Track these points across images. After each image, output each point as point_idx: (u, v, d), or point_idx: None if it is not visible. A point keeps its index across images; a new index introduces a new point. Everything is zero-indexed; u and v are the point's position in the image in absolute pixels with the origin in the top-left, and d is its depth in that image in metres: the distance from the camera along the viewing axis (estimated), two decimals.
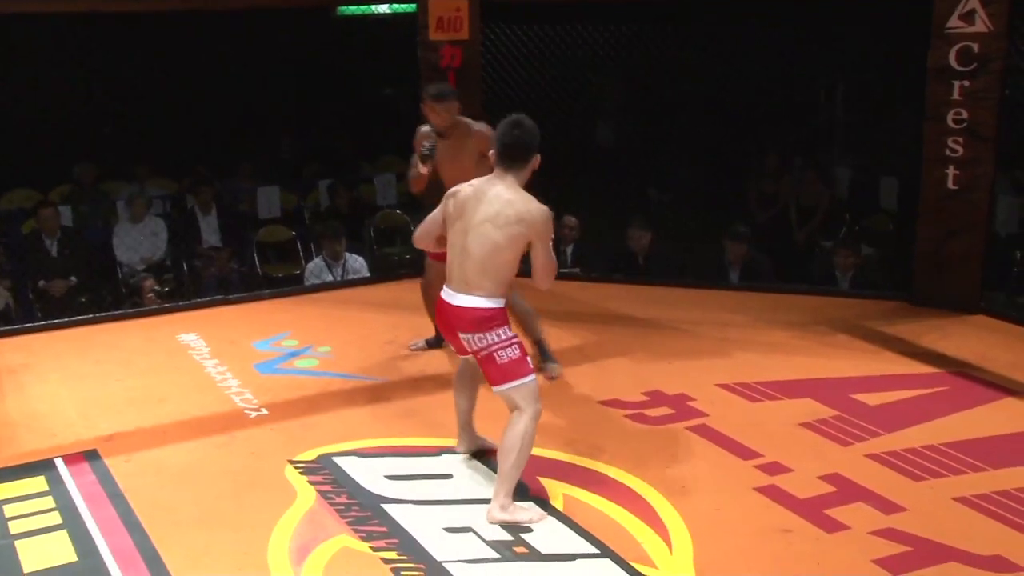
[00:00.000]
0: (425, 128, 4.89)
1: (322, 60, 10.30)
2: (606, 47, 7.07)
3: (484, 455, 4.02)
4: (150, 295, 6.91)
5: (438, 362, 5.15)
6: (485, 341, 3.53)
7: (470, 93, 6.43)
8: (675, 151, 8.97)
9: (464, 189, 3.63)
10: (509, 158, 3.54)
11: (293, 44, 10.06)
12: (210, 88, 9.87)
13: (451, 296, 3.59)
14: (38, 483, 3.86)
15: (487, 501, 3.63)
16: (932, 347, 5.25)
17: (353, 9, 10.60)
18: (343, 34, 10.57)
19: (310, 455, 4.07)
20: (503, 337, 3.53)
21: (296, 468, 3.96)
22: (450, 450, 4.10)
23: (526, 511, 3.60)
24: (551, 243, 3.57)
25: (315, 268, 7.00)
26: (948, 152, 5.65)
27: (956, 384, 4.80)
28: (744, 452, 4.09)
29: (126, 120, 9.47)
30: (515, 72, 6.77)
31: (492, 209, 3.51)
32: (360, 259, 7.09)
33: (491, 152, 3.61)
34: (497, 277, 3.53)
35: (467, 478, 3.90)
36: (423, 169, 4.75)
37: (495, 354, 3.53)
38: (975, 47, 5.48)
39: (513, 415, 3.57)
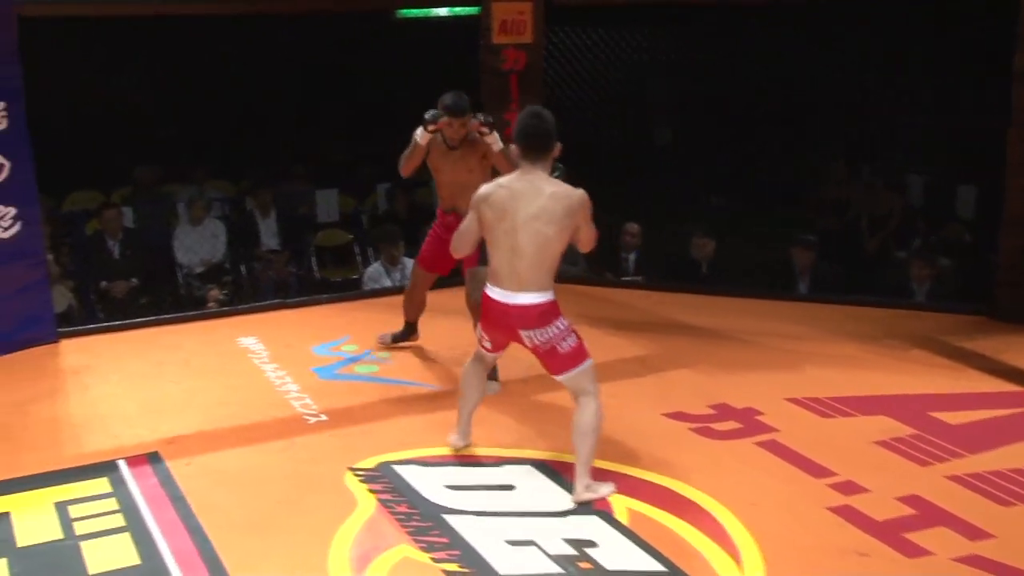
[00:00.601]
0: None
1: (379, 63, 10.38)
2: (668, 49, 7.04)
3: (546, 467, 3.99)
4: (211, 305, 6.98)
5: (501, 369, 5.11)
6: (547, 335, 3.68)
7: (532, 96, 6.44)
8: (738, 155, 8.87)
9: (496, 191, 3.69)
10: (535, 148, 3.65)
11: (350, 46, 10.14)
12: (268, 89, 10.00)
13: (507, 296, 3.69)
14: (101, 485, 3.91)
15: (551, 514, 3.61)
16: (1016, 364, 5.10)
17: (412, 12, 10.67)
18: (400, 37, 10.63)
19: (370, 462, 4.08)
20: (561, 328, 3.70)
21: (356, 475, 3.97)
22: (514, 460, 4.09)
23: (604, 487, 3.76)
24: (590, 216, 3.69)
25: (373, 273, 7.04)
26: None
27: None
28: (816, 470, 4.00)
29: (186, 122, 9.62)
30: (576, 75, 6.76)
31: (537, 205, 3.61)
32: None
33: (512, 147, 3.70)
34: (550, 270, 3.68)
35: (530, 490, 3.87)
36: (423, 139, 4.73)
37: (557, 345, 3.69)
38: None
39: (581, 400, 3.73)
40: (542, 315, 3.67)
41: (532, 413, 4.58)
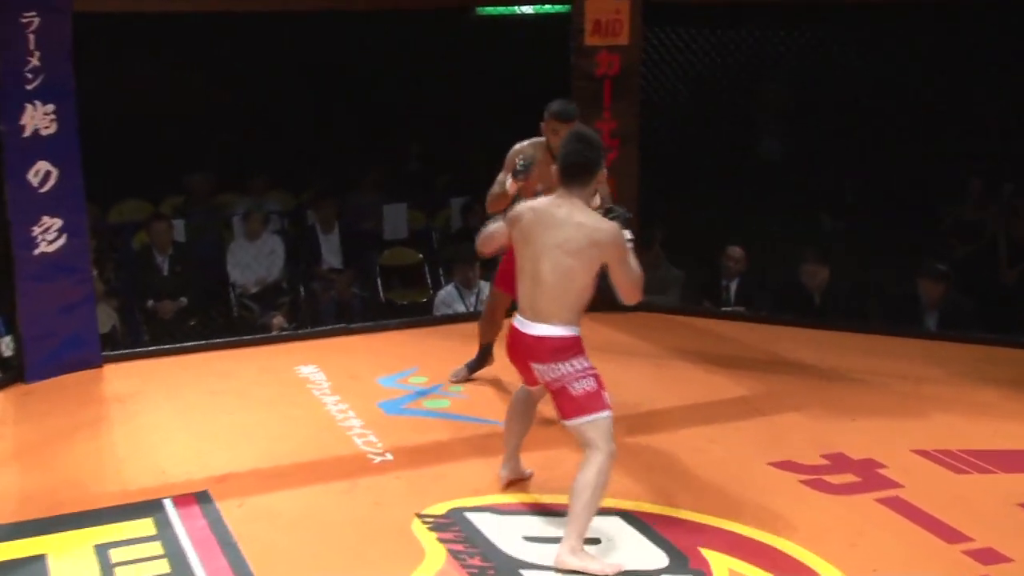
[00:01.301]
0: (520, 145, 4.98)
1: (458, 62, 10.48)
2: (778, 52, 6.97)
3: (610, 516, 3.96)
4: (281, 331, 7.05)
5: None
6: (559, 372, 3.70)
7: (628, 103, 6.46)
8: (855, 171, 8.73)
9: (526, 214, 3.80)
10: (573, 176, 3.73)
11: (428, 44, 10.27)
12: (333, 92, 10.16)
13: (524, 325, 3.77)
14: (146, 526, 3.99)
15: (641, 573, 3.57)
16: None
17: (494, 10, 10.76)
18: (483, 36, 10.72)
19: (440, 508, 4.09)
20: (578, 368, 3.70)
21: (424, 523, 3.99)
22: (601, 510, 4.03)
23: (596, 560, 3.66)
24: (628, 257, 3.71)
25: (446, 297, 7.10)
26: None
27: None
28: (949, 534, 3.89)
29: (243, 127, 9.82)
30: (676, 80, 6.73)
31: (562, 234, 3.67)
32: None
33: (553, 168, 3.79)
34: (572, 304, 3.71)
35: (616, 542, 3.85)
36: (511, 188, 4.82)
37: (569, 385, 3.70)
38: None
39: (587, 454, 3.69)
40: (557, 350, 3.69)
41: (624, 458, 4.53)
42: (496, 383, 5.45)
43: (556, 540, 3.86)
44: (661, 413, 5.08)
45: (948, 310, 6.45)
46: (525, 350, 3.78)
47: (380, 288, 8.24)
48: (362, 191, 9.40)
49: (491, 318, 5.35)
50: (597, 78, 6.41)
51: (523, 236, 3.78)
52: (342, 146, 9.87)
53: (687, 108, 6.96)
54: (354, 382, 5.49)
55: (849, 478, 4.36)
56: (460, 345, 6.11)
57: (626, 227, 3.80)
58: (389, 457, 4.59)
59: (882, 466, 4.46)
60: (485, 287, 7.03)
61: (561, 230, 3.68)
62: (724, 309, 7.04)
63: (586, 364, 3.72)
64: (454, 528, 3.95)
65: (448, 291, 7.12)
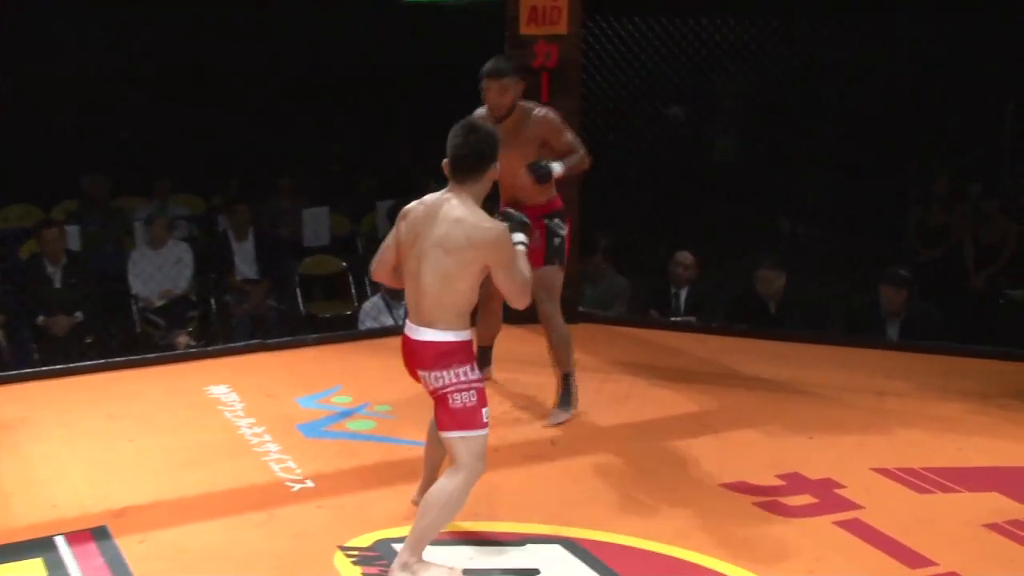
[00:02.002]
0: (479, 111, 5.10)
1: (384, 54, 10.51)
2: (732, 43, 7.07)
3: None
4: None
5: (524, 428, 5.16)
6: (442, 380, 3.75)
7: (569, 98, 6.50)
8: (815, 172, 8.92)
9: (416, 208, 3.86)
10: (461, 170, 3.78)
11: (348, 33, 10.28)
12: (246, 86, 10.12)
13: (412, 331, 3.82)
14: (35, 567, 3.92)
15: None
16: None
17: None
18: (411, 25, 10.76)
19: (365, 540, 4.09)
20: (462, 378, 3.75)
21: (348, 556, 3.98)
22: (540, 538, 4.11)
23: (432, 572, 3.73)
24: (514, 261, 3.78)
25: (371, 309, 7.10)
26: None
27: None
28: (911, 558, 3.98)
29: (146, 123, 9.74)
30: (621, 74, 6.81)
31: (441, 230, 3.73)
32: None
33: (444, 162, 3.82)
34: (456, 308, 3.75)
35: (557, 574, 3.87)
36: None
37: (449, 396, 3.75)
38: None
39: (448, 470, 3.79)
40: (440, 356, 3.74)
41: (564, 482, 4.60)
42: (426, 402, 5.41)
43: (493, 572, 3.90)
44: (605, 431, 5.14)
45: (911, 319, 6.60)
46: (410, 356, 3.84)
47: (300, 300, 8.22)
48: (279, 194, 9.37)
49: (482, 315, 5.36)
50: (534, 70, 6.45)
51: (410, 233, 3.82)
52: (257, 146, 9.84)
53: (633, 104, 7.04)
54: (271, 403, 5.47)
55: (806, 499, 4.43)
56: (388, 360, 6.09)
57: (521, 231, 3.91)
58: (309, 484, 4.58)
59: (841, 486, 4.54)
60: None
61: (441, 226, 3.73)
62: (673, 319, 7.13)
63: (471, 376, 3.77)
64: (380, 561, 3.95)
65: (374, 302, 7.13)
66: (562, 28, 6.49)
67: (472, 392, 3.76)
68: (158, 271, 7.90)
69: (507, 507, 4.35)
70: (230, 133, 9.85)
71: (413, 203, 3.89)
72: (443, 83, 10.74)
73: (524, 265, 3.85)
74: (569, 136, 5.15)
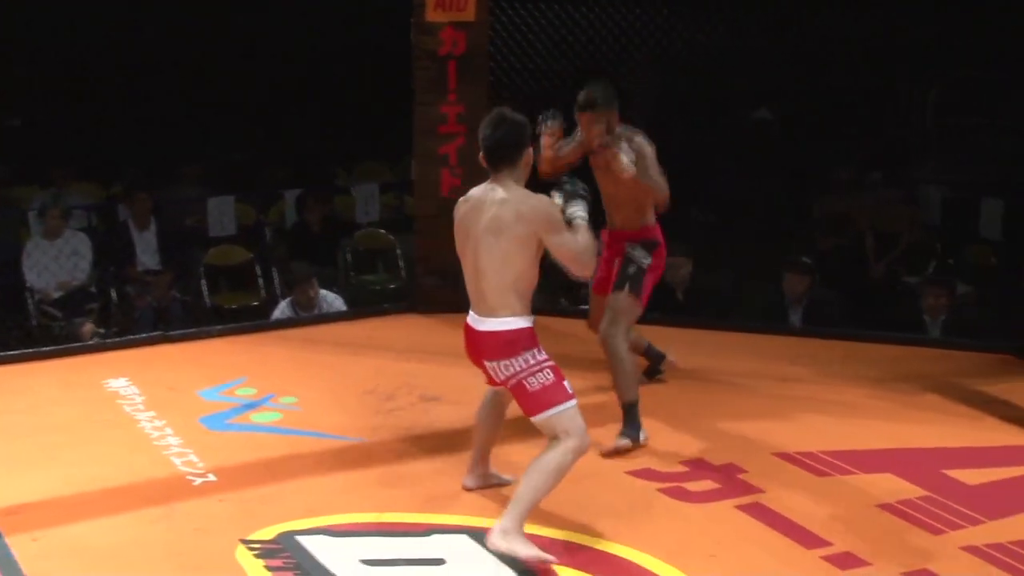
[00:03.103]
0: (577, 136, 4.96)
1: (291, 40, 10.39)
2: (641, 32, 7.12)
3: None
4: (92, 341, 6.86)
5: (430, 417, 5.17)
6: (512, 368, 3.82)
7: (476, 86, 6.51)
8: (721, 161, 9.02)
9: (461, 207, 4.00)
10: (494, 160, 3.90)
11: (253, 15, 10.14)
12: (148, 70, 9.94)
13: (476, 322, 3.91)
14: None
15: None
16: None
17: None
18: (319, 8, 10.65)
19: (268, 533, 4.06)
20: (532, 361, 3.82)
21: (251, 549, 3.95)
22: (446, 528, 4.12)
23: (528, 548, 3.74)
24: (564, 228, 3.84)
25: (280, 316, 6.96)
26: None
27: None
28: (808, 539, 4.07)
29: (41, 107, 9.51)
30: (529, 61, 6.82)
31: (490, 214, 3.84)
32: (337, 298, 7.08)
33: (480, 155, 3.92)
34: (518, 290, 3.84)
35: (463, 563, 3.89)
36: (545, 143, 4.82)
37: (524, 381, 3.81)
38: None
39: (551, 443, 3.80)
40: (508, 344, 3.81)
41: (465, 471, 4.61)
42: (333, 393, 5.45)
43: (397, 562, 3.91)
44: (511, 422, 5.12)
45: (814, 306, 6.73)
46: (476, 348, 3.92)
47: (205, 291, 8.10)
48: (183, 183, 9.23)
49: (596, 327, 5.21)
50: (440, 57, 6.45)
51: (462, 228, 3.94)
52: (159, 132, 9.67)
53: (544, 93, 7.04)
54: (172, 396, 5.40)
55: (709, 485, 4.51)
56: (294, 352, 6.09)
57: (573, 200, 3.94)
58: (212, 478, 4.53)
59: (743, 471, 4.62)
60: (326, 300, 6.96)
61: (490, 211, 3.83)
62: (582, 307, 7.15)
63: (540, 357, 3.83)
64: (284, 554, 3.93)
65: (282, 310, 7.01)
66: (469, 15, 6.49)
67: (546, 370, 3.81)
68: (54, 262, 7.72)
69: (412, 497, 4.35)
70: (131, 120, 9.66)
71: (459, 201, 4.00)
72: (352, 69, 10.72)
73: (584, 236, 3.87)
74: (652, 171, 4.84)
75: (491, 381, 4.06)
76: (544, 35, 6.77)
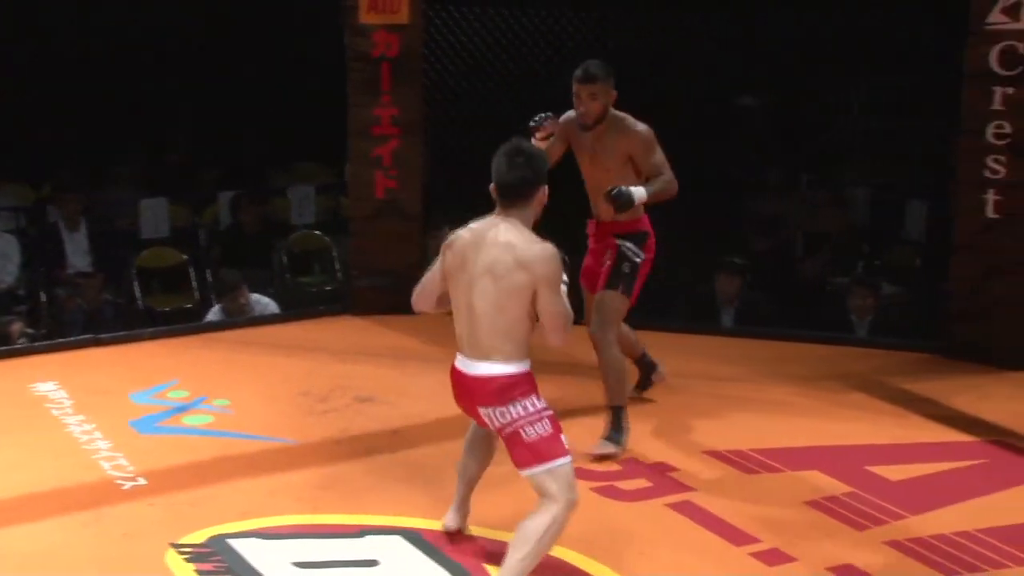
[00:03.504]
0: (568, 114, 4.82)
1: (227, 35, 10.29)
2: (574, 36, 7.16)
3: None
4: (21, 340, 6.73)
5: (364, 418, 5.16)
6: (508, 416, 3.56)
7: (411, 88, 6.52)
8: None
9: (463, 235, 3.66)
10: (508, 195, 3.60)
11: (186, 15, 10.03)
12: (79, 67, 9.79)
13: (466, 365, 3.63)
14: None
15: None
16: (969, 410, 5.36)
17: None
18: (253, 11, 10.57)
19: (199, 536, 4.03)
20: (530, 409, 3.56)
21: (181, 553, 3.92)
22: (379, 529, 4.11)
23: None
24: (561, 289, 3.58)
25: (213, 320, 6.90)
26: (987, 173, 5.80)
27: (998, 456, 4.90)
28: (736, 536, 4.13)
29: None
30: (463, 64, 6.83)
31: (491, 256, 3.56)
32: (270, 302, 7.05)
33: (491, 187, 3.65)
34: (514, 337, 3.56)
35: (397, 564, 3.89)
36: (538, 140, 4.60)
37: (521, 430, 3.55)
38: (1021, 47, 5.64)
39: (542, 502, 3.56)
40: (503, 389, 3.55)
41: (403, 473, 4.61)
42: (267, 395, 5.42)
43: (329, 564, 3.89)
44: (446, 422, 5.12)
45: (744, 306, 6.82)
46: (467, 394, 3.64)
47: (137, 293, 8.01)
48: (115, 184, 9.12)
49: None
50: (374, 60, 6.44)
51: (457, 261, 3.63)
52: (90, 132, 9.54)
53: (480, 96, 7.05)
54: (102, 399, 5.34)
55: (640, 483, 4.55)
56: (227, 355, 6.05)
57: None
58: (142, 482, 4.49)
59: (674, 469, 4.67)
60: (258, 304, 6.91)
61: (490, 251, 3.55)
62: None
63: (539, 405, 3.58)
64: (215, 558, 3.90)
65: (214, 314, 6.94)
66: (403, 17, 6.49)
67: (544, 421, 3.55)
68: None
69: (345, 499, 4.35)
70: (61, 121, 9.52)
71: (459, 231, 3.67)
72: (290, 70, 10.65)
73: (567, 305, 3.60)
74: (658, 158, 4.77)
75: (481, 425, 3.77)
76: (478, 37, 6.79)
